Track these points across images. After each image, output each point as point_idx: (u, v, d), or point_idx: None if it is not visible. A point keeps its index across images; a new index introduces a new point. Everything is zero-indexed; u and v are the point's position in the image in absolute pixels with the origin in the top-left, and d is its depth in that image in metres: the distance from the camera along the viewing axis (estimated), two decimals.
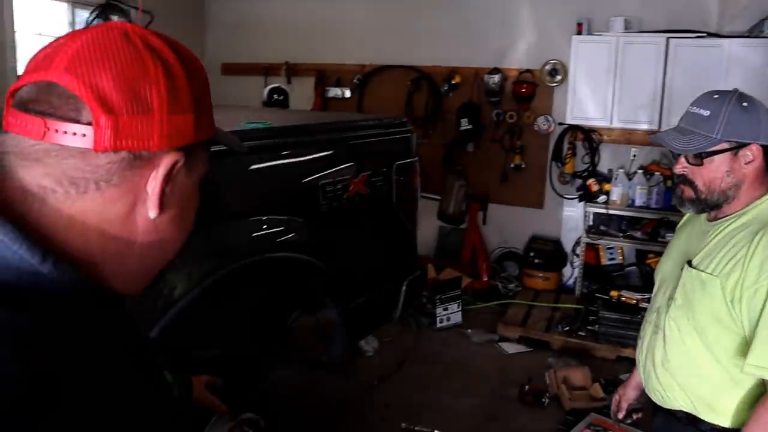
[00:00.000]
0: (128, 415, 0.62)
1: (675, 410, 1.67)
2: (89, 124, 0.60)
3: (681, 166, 1.60)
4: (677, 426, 1.67)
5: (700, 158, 1.55)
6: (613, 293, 4.28)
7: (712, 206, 1.59)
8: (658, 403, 1.73)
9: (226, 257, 2.08)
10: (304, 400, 3.61)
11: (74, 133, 0.60)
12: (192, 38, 6.39)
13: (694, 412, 1.61)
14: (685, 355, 1.60)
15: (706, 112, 1.55)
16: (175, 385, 0.84)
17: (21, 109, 0.61)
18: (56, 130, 0.60)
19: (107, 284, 0.67)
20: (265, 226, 2.25)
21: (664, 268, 1.79)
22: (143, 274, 0.72)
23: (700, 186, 1.57)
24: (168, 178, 0.66)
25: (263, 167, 2.24)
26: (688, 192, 1.60)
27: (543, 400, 3.60)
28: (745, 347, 1.47)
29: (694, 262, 1.58)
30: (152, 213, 0.66)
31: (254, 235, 2.21)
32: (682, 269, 1.62)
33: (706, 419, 1.58)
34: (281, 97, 4.39)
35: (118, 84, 0.61)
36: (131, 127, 0.62)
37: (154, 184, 0.65)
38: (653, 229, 4.75)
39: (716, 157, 1.54)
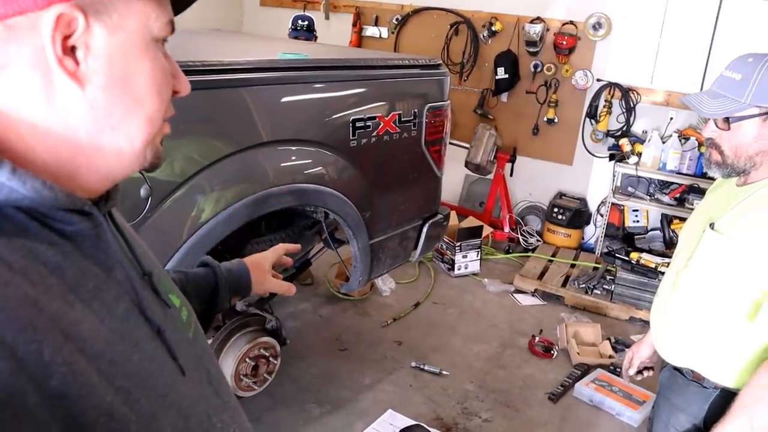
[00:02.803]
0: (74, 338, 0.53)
1: (681, 367, 1.70)
2: None
3: (710, 130, 1.59)
4: (682, 381, 1.71)
5: (727, 123, 1.53)
6: (633, 255, 4.27)
7: (738, 172, 1.58)
8: (666, 359, 1.76)
9: (254, 183, 2.12)
10: (318, 329, 3.73)
11: None
12: None
13: (699, 370, 1.64)
14: (698, 314, 1.63)
15: (738, 76, 1.52)
16: (182, 309, 0.78)
17: None
18: None
19: (71, 188, 0.60)
20: (294, 157, 2.28)
21: (688, 230, 1.79)
22: (109, 168, 0.63)
23: (727, 151, 1.56)
24: (67, 42, 0.56)
25: (296, 98, 2.25)
26: (716, 156, 1.59)
27: (552, 351, 3.66)
28: (757, 310, 1.49)
29: (717, 225, 1.58)
30: (71, 88, 0.57)
31: (282, 164, 2.25)
32: (704, 231, 1.62)
33: (710, 378, 1.61)
34: (305, 23, 4.33)
35: None
36: None
37: (49, 53, 0.55)
38: (681, 194, 4.70)
39: (744, 122, 1.52)
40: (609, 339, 3.81)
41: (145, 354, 0.62)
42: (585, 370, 3.50)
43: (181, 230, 1.96)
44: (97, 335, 0.56)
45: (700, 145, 4.60)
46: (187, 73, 1.92)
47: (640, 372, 2.00)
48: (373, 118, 2.52)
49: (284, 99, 2.21)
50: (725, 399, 1.54)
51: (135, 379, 0.58)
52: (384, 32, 5.99)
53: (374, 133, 2.53)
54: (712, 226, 1.59)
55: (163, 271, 0.80)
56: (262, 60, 2.22)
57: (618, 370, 3.45)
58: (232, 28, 6.58)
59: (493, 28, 5.43)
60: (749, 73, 1.50)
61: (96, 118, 0.59)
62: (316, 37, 4.43)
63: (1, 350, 0.46)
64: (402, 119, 2.66)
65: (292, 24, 4.35)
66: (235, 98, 2.05)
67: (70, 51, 0.56)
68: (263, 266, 1.24)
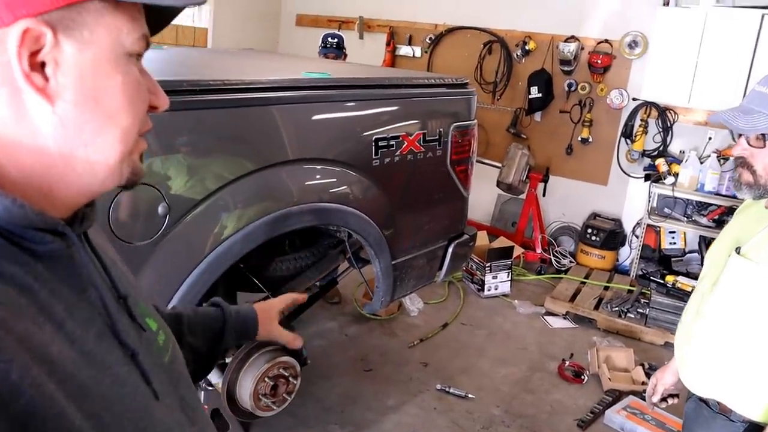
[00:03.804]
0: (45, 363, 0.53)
1: (707, 398, 1.63)
2: None
3: (741, 148, 1.52)
4: (708, 414, 1.64)
5: (763, 140, 1.47)
6: (669, 278, 4.16)
7: None
8: (691, 389, 1.69)
9: (277, 201, 2.13)
10: (344, 349, 3.70)
11: None
12: None
13: (726, 402, 1.57)
14: (723, 343, 1.56)
15: None
16: (160, 333, 0.77)
17: None
18: None
19: (44, 206, 0.59)
20: (318, 176, 2.28)
21: (714, 254, 1.72)
22: (82, 185, 0.62)
23: (759, 170, 1.49)
24: (35, 58, 0.55)
25: (317, 117, 2.26)
26: (746, 176, 1.52)
27: (582, 376, 3.56)
28: None
29: (743, 250, 1.52)
30: (40, 104, 0.56)
31: (307, 183, 2.25)
32: (729, 256, 1.56)
33: (737, 411, 1.54)
34: (335, 40, 4.37)
35: None
36: None
37: (16, 69, 0.54)
38: (720, 216, 4.56)
39: None
40: (642, 365, 3.69)
41: (118, 378, 0.61)
42: (616, 396, 3.39)
43: (201, 247, 1.97)
44: (66, 358, 0.55)
45: None
46: (209, 92, 1.91)
47: (664, 399, 1.93)
48: (397, 137, 2.51)
49: (305, 118, 2.21)
50: None
51: (105, 403, 0.57)
52: (417, 51, 6.02)
53: (397, 153, 2.51)
54: (738, 250, 1.53)
55: (142, 294, 0.79)
56: (284, 79, 2.24)
57: None
58: (269, 47, 6.69)
59: (527, 47, 5.40)
60: None
61: (67, 134, 0.58)
62: (345, 55, 4.46)
63: None
64: (427, 138, 2.64)
65: (322, 42, 4.40)
66: (256, 116, 2.06)
67: (39, 67, 0.56)
68: (270, 312, 1.26)
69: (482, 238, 4.85)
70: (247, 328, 1.20)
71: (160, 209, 1.82)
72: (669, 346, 4.03)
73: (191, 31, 6.01)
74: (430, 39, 5.90)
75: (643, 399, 3.30)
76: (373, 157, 2.42)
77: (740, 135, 1.53)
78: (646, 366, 3.70)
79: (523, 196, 5.41)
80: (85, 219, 0.67)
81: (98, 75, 0.59)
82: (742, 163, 1.53)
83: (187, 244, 1.94)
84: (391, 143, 2.48)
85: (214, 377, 2.54)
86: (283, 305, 1.29)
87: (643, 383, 3.49)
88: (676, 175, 4.67)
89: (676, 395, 1.93)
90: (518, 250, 5.12)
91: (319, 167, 2.28)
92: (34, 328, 0.53)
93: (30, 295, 0.55)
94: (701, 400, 1.67)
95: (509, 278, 4.70)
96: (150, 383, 0.66)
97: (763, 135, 1.47)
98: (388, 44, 6.12)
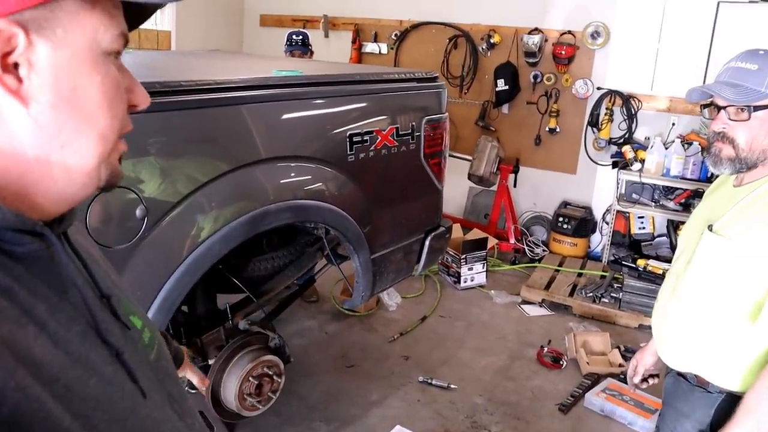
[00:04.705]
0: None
1: (685, 372, 1.68)
2: None
3: (721, 123, 1.55)
4: (686, 387, 1.69)
5: (747, 112, 1.51)
6: (640, 262, 4.25)
7: (750, 166, 1.54)
8: (669, 365, 1.74)
9: (253, 201, 2.12)
10: (325, 346, 3.71)
11: None
12: None
13: (703, 375, 1.62)
14: (699, 318, 1.61)
15: (754, 66, 1.50)
16: (145, 331, 0.77)
17: None
18: None
19: (22, 209, 0.58)
20: (293, 174, 2.29)
21: (687, 234, 1.77)
22: (60, 189, 0.61)
23: (741, 143, 1.52)
24: (8, 60, 0.54)
25: (290, 115, 2.26)
26: (727, 150, 1.55)
27: (561, 362, 3.62)
28: (759, 311, 1.47)
29: (715, 227, 1.56)
30: (13, 106, 0.55)
31: (282, 181, 2.25)
32: (702, 234, 1.61)
33: (715, 382, 1.59)
34: (300, 38, 4.37)
35: None
36: None
37: None
38: (687, 199, 4.67)
39: (761, 113, 1.49)
40: (618, 348, 3.77)
41: (104, 377, 0.60)
42: (595, 379, 3.46)
43: (179, 249, 1.96)
44: (51, 359, 0.54)
45: (703, 149, 4.58)
46: (181, 92, 1.89)
47: (645, 380, 1.97)
48: (371, 132, 2.52)
49: (278, 116, 2.21)
50: (731, 403, 1.51)
51: (93, 403, 0.57)
52: (383, 48, 6.03)
53: (372, 148, 2.53)
54: (710, 228, 1.58)
55: (125, 293, 0.78)
56: (256, 78, 2.23)
57: None
58: (233, 48, 6.64)
59: (492, 41, 5.45)
60: (764, 64, 1.49)
61: (43, 136, 0.57)
62: (312, 52, 4.46)
63: None
64: (400, 133, 2.66)
65: (287, 40, 4.39)
66: (229, 116, 2.05)
67: (13, 68, 0.54)
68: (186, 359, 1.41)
69: (456, 231, 4.89)
70: (177, 356, 1.31)
71: (138, 212, 1.80)
72: (643, 328, 4.12)
73: (154, 35, 5.93)
74: (395, 35, 5.92)
75: (621, 381, 3.38)
76: (348, 152, 2.43)
77: (718, 111, 1.56)
78: (622, 348, 3.78)
79: (494, 188, 5.46)
80: (65, 219, 0.66)
81: (75, 75, 0.58)
82: (723, 137, 1.56)
83: (166, 246, 1.93)
84: (365, 138, 2.49)
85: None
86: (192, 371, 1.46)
87: (620, 365, 3.57)
88: (642, 161, 4.76)
89: (656, 375, 1.97)
90: (492, 241, 5.18)
91: (293, 164, 2.28)
92: (17, 330, 0.52)
93: (11, 297, 0.54)
94: (679, 374, 1.71)
95: (485, 269, 4.74)
96: (136, 381, 0.65)
97: (746, 107, 1.50)
98: (353, 42, 6.12)
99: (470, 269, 4.67)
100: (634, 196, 4.93)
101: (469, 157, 5.33)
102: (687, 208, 4.64)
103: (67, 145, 0.59)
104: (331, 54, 6.00)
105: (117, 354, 0.64)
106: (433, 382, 3.35)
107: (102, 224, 1.74)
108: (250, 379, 2.42)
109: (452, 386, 3.32)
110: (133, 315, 0.75)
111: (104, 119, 0.61)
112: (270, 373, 2.49)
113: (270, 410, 2.62)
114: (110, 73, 0.61)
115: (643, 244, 5.07)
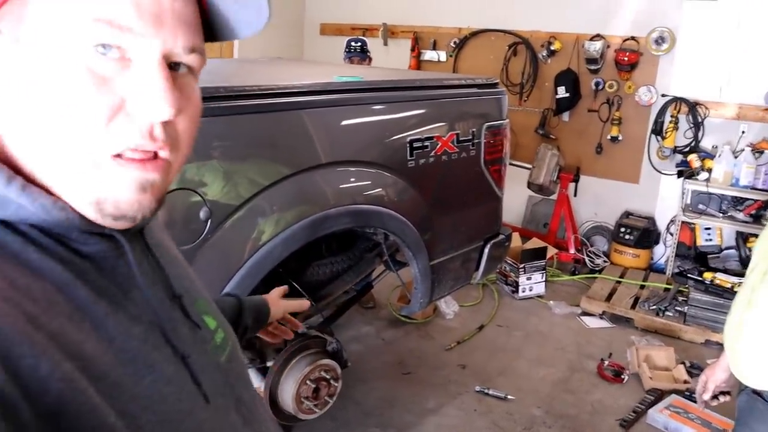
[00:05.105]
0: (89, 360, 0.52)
1: (762, 390, 1.60)
2: None
3: None
4: (763, 407, 1.61)
5: None
6: (707, 275, 4.09)
7: None
8: (744, 382, 1.66)
9: (314, 205, 2.14)
10: (381, 353, 3.70)
11: None
12: None
13: None
14: None
15: None
16: (218, 331, 0.75)
17: None
18: None
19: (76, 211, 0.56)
20: (352, 179, 2.30)
21: (761, 245, 1.69)
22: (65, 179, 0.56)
23: None
24: None
25: (353, 120, 2.27)
26: None
27: (622, 376, 3.52)
28: None
29: None
30: None
31: (342, 186, 2.26)
32: None
33: None
34: (358, 44, 4.41)
35: None
36: None
37: None
38: (757, 210, 4.48)
39: None
40: (683, 363, 3.63)
41: (161, 377, 0.59)
42: (658, 395, 3.34)
43: (241, 252, 1.99)
44: (102, 355, 0.54)
45: None
46: (244, 97, 1.93)
47: (715, 397, 1.89)
48: (431, 138, 2.51)
49: (339, 121, 2.23)
50: None
51: (144, 401, 0.56)
52: (442, 56, 6.02)
53: (432, 153, 2.52)
54: None
55: (202, 293, 0.77)
56: (318, 83, 2.26)
57: (694, 396, 3.28)
58: (294, 56, 6.75)
59: (552, 48, 5.37)
60: None
61: (24, 134, 0.53)
62: (370, 59, 4.49)
63: None
64: (460, 139, 2.64)
65: (346, 46, 4.44)
66: (291, 121, 2.08)
67: None
68: (273, 296, 1.33)
69: (515, 240, 4.82)
70: (261, 311, 1.26)
71: (202, 214, 1.84)
72: (710, 343, 3.96)
73: (218, 44, 6.09)
74: (454, 43, 5.90)
75: (686, 398, 3.26)
76: (408, 158, 2.43)
77: None
78: (688, 364, 3.64)
79: (554, 197, 5.37)
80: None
81: (38, 72, 0.51)
82: None
83: (228, 248, 1.96)
84: (426, 144, 2.49)
85: (256, 381, 2.56)
86: (282, 293, 1.37)
87: (686, 382, 3.44)
88: (709, 170, 4.60)
89: (728, 392, 1.89)
90: (551, 251, 5.08)
91: (353, 169, 2.29)
92: (69, 325, 0.52)
93: (69, 292, 0.54)
94: (755, 392, 1.63)
95: (543, 279, 4.66)
96: (199, 384, 0.64)
97: None
98: (412, 50, 6.13)
99: (529, 279, 4.59)
100: (701, 206, 4.76)
101: (529, 166, 5.26)
102: (758, 219, 4.45)
103: (31, 161, 0.55)
104: (390, 62, 6.03)
105: (182, 356, 0.63)
106: (490, 392, 3.30)
107: (167, 225, 1.78)
108: (308, 382, 2.43)
109: (509, 397, 3.27)
110: (206, 315, 0.75)
111: (70, 128, 0.52)
112: (327, 377, 2.50)
113: (326, 414, 2.63)
114: (80, 69, 0.52)
115: (709, 256, 4.89)
